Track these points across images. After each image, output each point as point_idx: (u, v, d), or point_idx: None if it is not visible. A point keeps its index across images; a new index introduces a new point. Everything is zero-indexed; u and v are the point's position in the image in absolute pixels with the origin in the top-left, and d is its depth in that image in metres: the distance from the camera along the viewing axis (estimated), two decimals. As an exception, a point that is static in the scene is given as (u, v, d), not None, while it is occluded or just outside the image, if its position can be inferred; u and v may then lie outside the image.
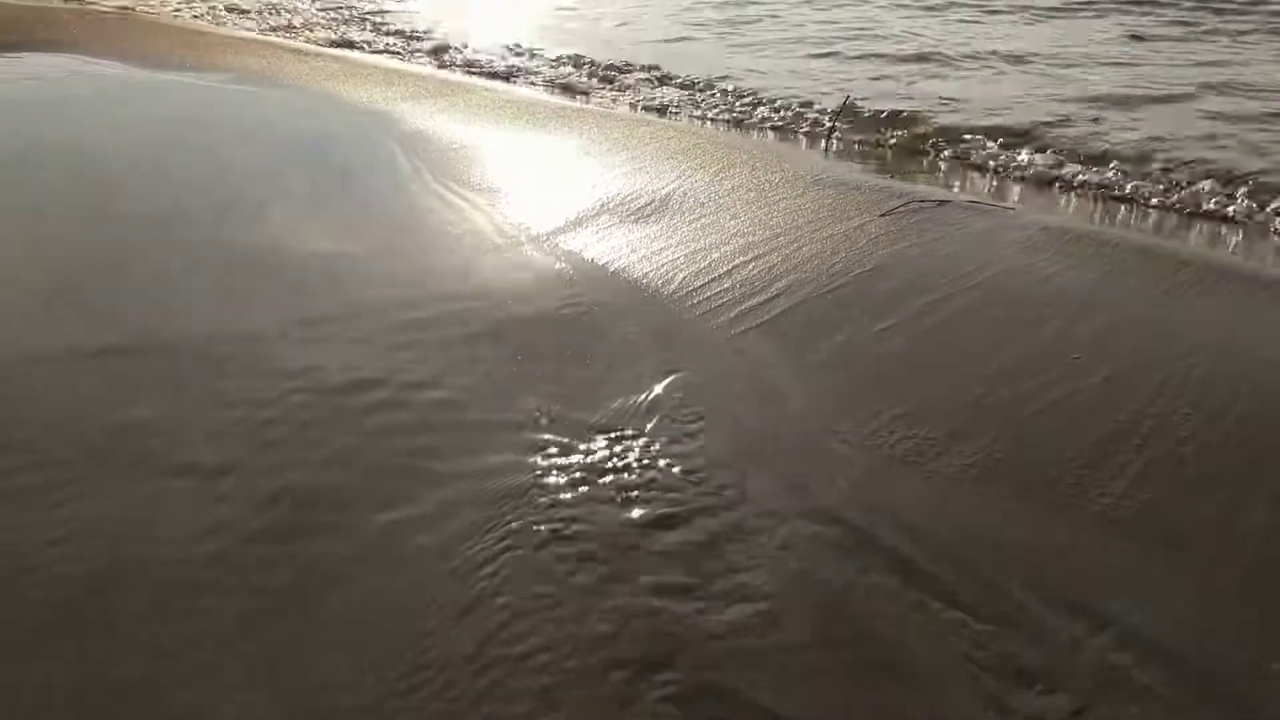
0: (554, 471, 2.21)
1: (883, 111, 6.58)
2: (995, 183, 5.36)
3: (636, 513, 2.07)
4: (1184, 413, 2.45)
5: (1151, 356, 2.73)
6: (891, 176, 5.00)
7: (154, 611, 1.77)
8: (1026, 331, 2.93)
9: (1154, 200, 4.94)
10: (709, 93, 7.52)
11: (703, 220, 3.99)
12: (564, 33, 10.37)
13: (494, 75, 8.27)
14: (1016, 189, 5.25)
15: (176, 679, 1.63)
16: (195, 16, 10.80)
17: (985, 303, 3.13)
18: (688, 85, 7.79)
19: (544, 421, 2.42)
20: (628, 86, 7.87)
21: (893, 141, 6.08)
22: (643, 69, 8.36)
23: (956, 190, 5.01)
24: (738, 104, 7.13)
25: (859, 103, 6.71)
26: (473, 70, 8.47)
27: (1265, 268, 3.95)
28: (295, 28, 10.48)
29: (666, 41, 9.92)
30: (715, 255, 3.57)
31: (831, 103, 6.77)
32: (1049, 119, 6.28)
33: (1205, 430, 2.38)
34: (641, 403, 2.52)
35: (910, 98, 7.01)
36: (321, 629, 1.74)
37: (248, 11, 11.30)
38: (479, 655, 1.68)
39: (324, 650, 1.69)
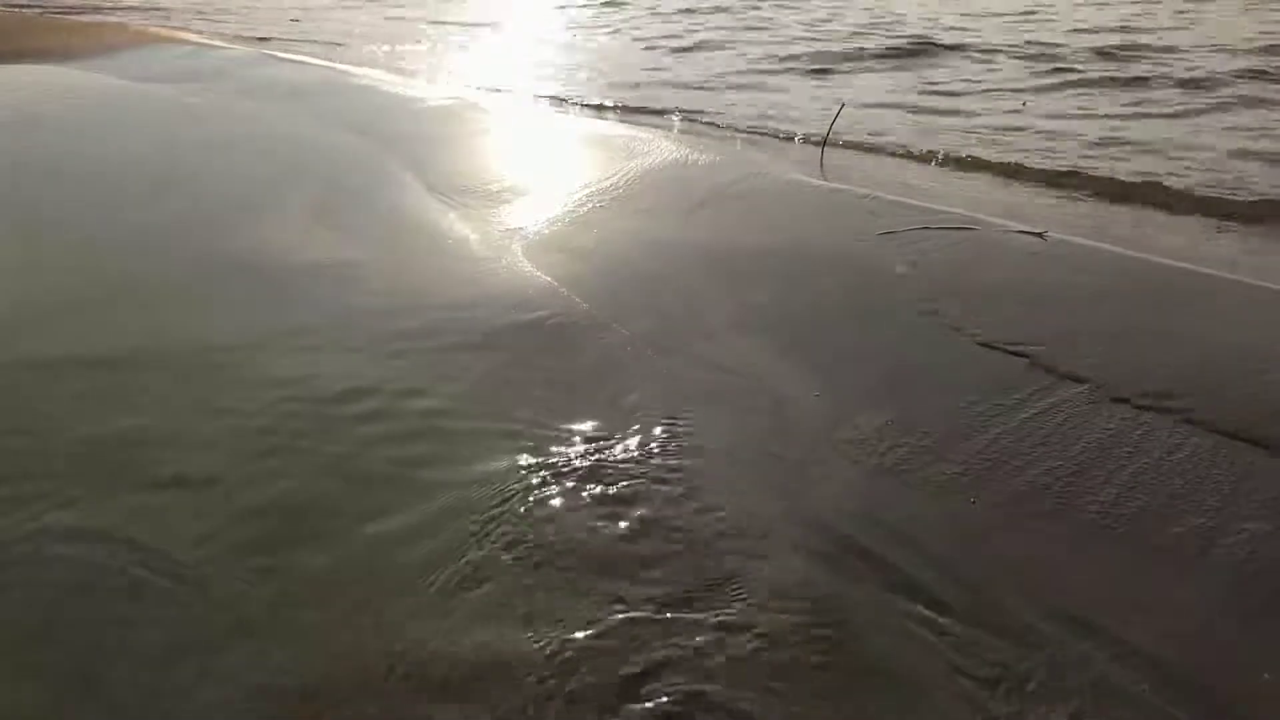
0: (542, 480, 2.20)
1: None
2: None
3: (624, 523, 2.06)
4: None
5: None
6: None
7: (137, 620, 1.76)
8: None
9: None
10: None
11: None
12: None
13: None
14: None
15: (159, 688, 1.62)
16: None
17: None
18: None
19: (533, 429, 2.41)
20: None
21: None
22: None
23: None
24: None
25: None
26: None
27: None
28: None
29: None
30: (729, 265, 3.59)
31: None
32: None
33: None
34: (631, 410, 2.52)
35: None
36: (306, 640, 1.73)
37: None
38: (465, 666, 1.68)
39: (308, 661, 1.68)
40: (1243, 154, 5.77)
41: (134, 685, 1.62)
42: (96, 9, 12.97)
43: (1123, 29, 10.67)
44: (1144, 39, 9.86)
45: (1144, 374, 2.73)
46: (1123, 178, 5.39)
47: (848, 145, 6.31)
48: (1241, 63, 8.38)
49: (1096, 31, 10.58)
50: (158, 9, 13.36)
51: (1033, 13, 12.61)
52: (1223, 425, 2.45)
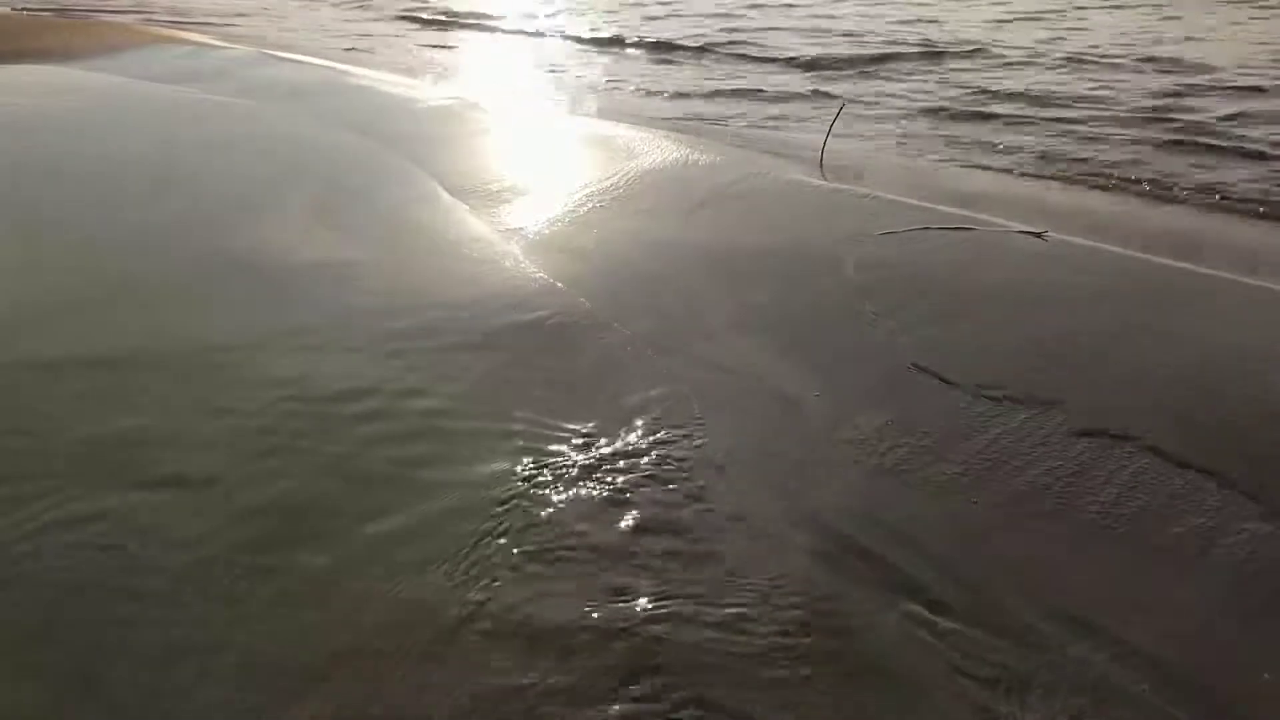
0: (542, 480, 2.20)
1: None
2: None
3: (624, 522, 2.06)
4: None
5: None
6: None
7: (137, 620, 1.76)
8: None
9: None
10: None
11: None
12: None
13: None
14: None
15: (159, 688, 1.62)
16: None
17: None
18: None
19: (533, 429, 2.41)
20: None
21: None
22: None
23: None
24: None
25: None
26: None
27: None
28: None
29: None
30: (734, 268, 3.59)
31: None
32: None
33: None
34: (631, 410, 2.52)
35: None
36: (306, 640, 1.73)
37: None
38: (466, 664, 1.68)
39: (308, 661, 1.68)
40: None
41: (134, 685, 1.62)
42: (113, 11, 13.01)
43: (1146, 36, 10.64)
44: (1162, 49, 9.82)
45: (1145, 374, 2.73)
46: (1131, 178, 5.40)
47: (848, 145, 6.31)
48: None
49: (1117, 37, 10.58)
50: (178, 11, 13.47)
51: (1055, 14, 12.60)
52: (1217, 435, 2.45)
